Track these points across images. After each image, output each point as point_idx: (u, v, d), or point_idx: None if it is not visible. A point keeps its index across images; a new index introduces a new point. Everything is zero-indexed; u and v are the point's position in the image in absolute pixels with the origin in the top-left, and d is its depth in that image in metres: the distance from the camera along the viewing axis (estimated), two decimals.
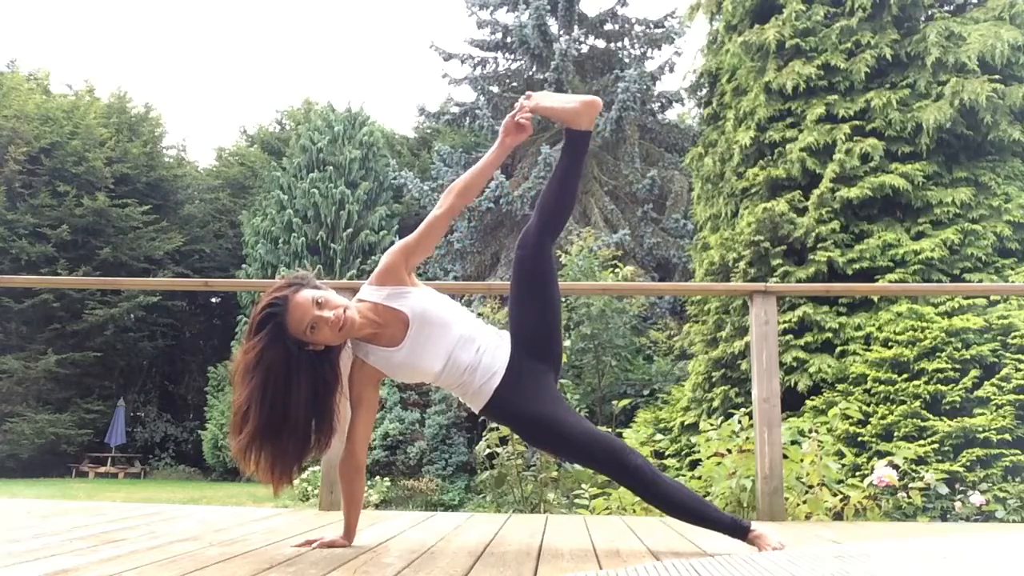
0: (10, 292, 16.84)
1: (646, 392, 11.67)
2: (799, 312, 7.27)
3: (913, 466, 5.44)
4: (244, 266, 18.61)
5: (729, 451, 3.81)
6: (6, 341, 17.11)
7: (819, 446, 3.85)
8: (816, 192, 7.66)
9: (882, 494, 4.50)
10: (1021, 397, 5.68)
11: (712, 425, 4.23)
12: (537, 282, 2.18)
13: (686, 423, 8.27)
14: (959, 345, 6.10)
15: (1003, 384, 5.79)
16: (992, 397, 5.77)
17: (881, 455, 5.68)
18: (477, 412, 2.17)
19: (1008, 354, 5.96)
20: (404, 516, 3.08)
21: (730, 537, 2.07)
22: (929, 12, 8.03)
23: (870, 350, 6.71)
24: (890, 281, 7.09)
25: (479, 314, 8.71)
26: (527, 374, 2.10)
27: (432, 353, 2.06)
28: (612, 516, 3.87)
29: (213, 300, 21.33)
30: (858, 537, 2.51)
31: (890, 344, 6.51)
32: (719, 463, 3.79)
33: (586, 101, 2.18)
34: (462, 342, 2.08)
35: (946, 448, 5.73)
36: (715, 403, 7.87)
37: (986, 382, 5.89)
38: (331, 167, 18.11)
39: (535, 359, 2.14)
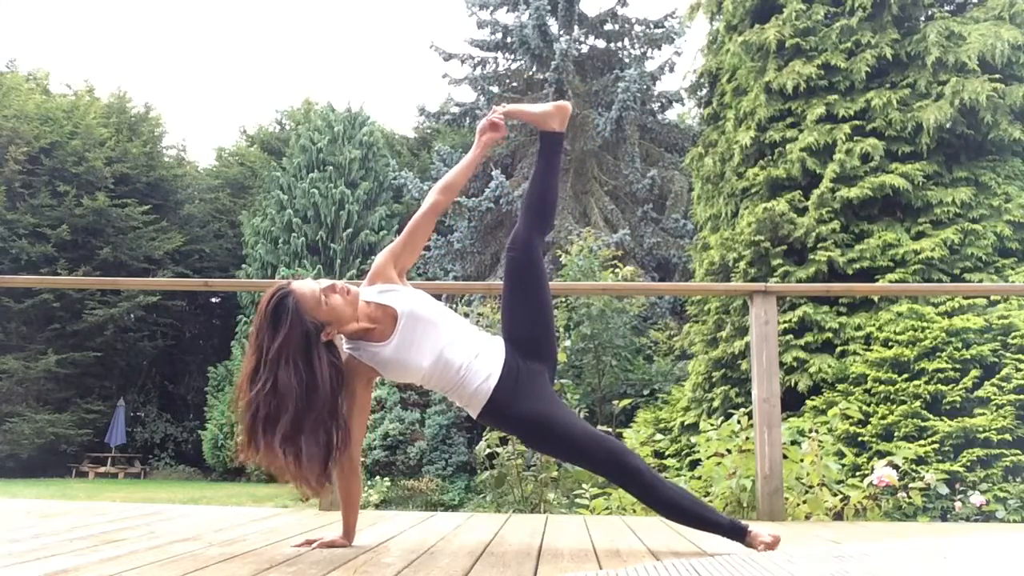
0: (10, 292, 16.84)
1: (646, 392, 11.67)
2: (799, 312, 7.27)
3: (913, 466, 5.44)
4: (244, 266, 18.60)
5: (729, 451, 3.80)
6: (6, 341, 17.10)
7: (819, 446, 3.84)
8: (816, 192, 7.66)
9: (882, 494, 4.50)
10: (1021, 397, 5.67)
11: (712, 425, 4.22)
12: (530, 282, 2.21)
13: (686, 423, 8.27)
14: (959, 345, 6.10)
15: (1003, 384, 5.79)
16: (992, 397, 5.76)
17: (881, 455, 5.67)
18: (475, 416, 2.15)
19: (1008, 354, 5.96)
20: (404, 516, 3.07)
21: (729, 539, 2.07)
22: (929, 12, 8.02)
23: (870, 350, 6.71)
24: (890, 281, 7.09)
25: (479, 314, 8.70)
26: (524, 375, 2.11)
27: (419, 350, 2.06)
28: (612, 516, 3.86)
29: (213, 300, 21.33)
30: (858, 537, 2.51)
31: (890, 344, 6.51)
32: (719, 463, 3.79)
33: (557, 105, 2.35)
34: (452, 343, 2.08)
35: (946, 448, 5.73)
36: (715, 403, 7.87)
37: (986, 382, 5.88)
38: (331, 167, 18.11)
39: (531, 359, 2.15)
